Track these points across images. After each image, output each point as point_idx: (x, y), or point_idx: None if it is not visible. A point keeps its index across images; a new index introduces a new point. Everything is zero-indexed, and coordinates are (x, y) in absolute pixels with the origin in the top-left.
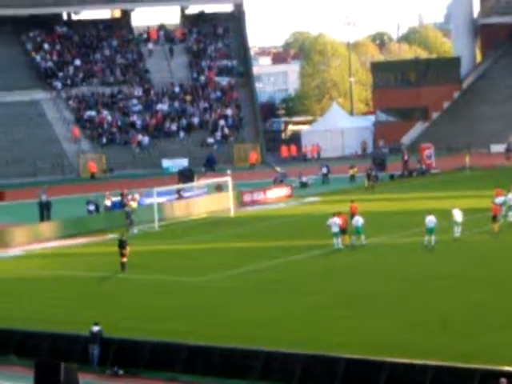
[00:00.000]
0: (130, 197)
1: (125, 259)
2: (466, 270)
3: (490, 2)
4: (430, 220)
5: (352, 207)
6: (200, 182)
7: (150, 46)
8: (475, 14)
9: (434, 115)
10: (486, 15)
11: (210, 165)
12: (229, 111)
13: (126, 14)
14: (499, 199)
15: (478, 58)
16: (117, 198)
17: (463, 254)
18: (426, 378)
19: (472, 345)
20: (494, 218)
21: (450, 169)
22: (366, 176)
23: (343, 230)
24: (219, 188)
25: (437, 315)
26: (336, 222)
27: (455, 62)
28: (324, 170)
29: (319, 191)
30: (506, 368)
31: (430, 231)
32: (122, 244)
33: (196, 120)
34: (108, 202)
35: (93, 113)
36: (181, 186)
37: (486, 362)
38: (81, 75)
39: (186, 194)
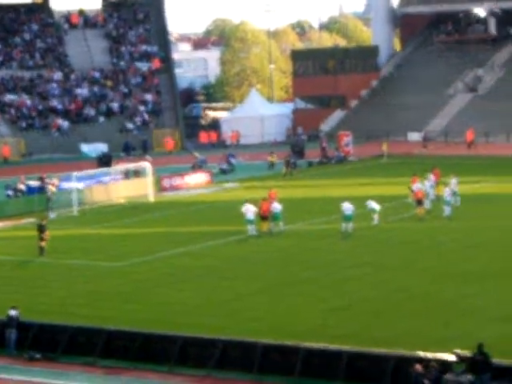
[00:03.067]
0: (48, 181)
1: (43, 243)
2: (383, 256)
3: None
4: (347, 207)
5: (271, 194)
6: (118, 167)
7: (70, 30)
8: (395, 4)
9: (352, 103)
10: (405, 4)
11: (127, 150)
12: (149, 97)
13: None
14: (416, 186)
15: (397, 47)
16: (33, 182)
17: (381, 241)
18: (341, 363)
19: (387, 332)
20: (419, 202)
21: (367, 156)
22: (284, 163)
23: (265, 217)
24: (136, 173)
25: (355, 301)
26: (250, 209)
27: (373, 50)
28: (232, 161)
29: (239, 177)
30: (420, 353)
31: (347, 218)
32: (40, 228)
33: (116, 105)
34: (22, 186)
35: (12, 97)
36: (100, 170)
37: (403, 347)
38: (0, 59)
39: (105, 179)
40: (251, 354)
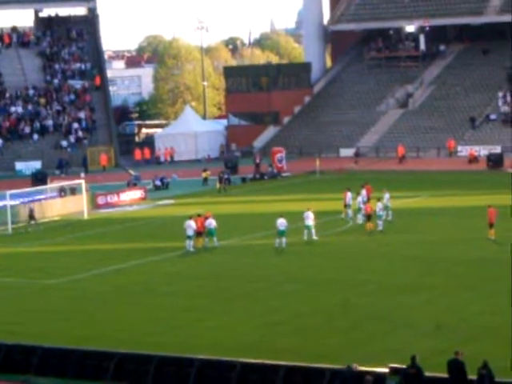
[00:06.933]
0: None
1: None
2: (316, 271)
3: (339, 9)
4: (281, 223)
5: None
6: (53, 185)
7: (3, 48)
8: (325, 21)
9: (285, 120)
10: (336, 22)
11: (61, 168)
12: (82, 114)
13: None
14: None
15: (329, 63)
16: None
17: (314, 256)
18: (278, 377)
19: (322, 346)
20: (369, 217)
21: (300, 172)
22: (218, 179)
23: (199, 233)
24: (72, 190)
25: (290, 316)
26: (191, 225)
27: (306, 67)
28: (165, 181)
29: (173, 194)
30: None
31: (281, 233)
32: None
33: (50, 123)
34: None
35: None
36: (35, 188)
37: (338, 361)
38: None
39: (39, 197)
40: (187, 369)
